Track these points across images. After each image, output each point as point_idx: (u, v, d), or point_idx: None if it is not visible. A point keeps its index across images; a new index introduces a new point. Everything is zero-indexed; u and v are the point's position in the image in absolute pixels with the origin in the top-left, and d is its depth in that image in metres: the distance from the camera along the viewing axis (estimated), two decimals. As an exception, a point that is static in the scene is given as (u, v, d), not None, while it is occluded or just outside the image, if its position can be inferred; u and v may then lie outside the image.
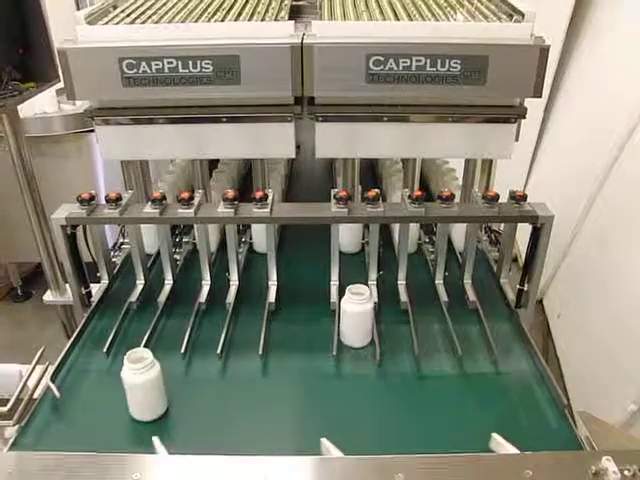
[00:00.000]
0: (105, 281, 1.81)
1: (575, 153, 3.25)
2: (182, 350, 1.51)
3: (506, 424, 1.34)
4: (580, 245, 3.05)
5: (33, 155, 2.40)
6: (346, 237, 1.95)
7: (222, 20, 1.63)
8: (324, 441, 1.18)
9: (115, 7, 1.82)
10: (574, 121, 3.41)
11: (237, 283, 1.77)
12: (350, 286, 1.56)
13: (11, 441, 1.26)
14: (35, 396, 1.40)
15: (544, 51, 1.49)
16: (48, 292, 2.55)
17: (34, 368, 1.44)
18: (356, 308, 1.53)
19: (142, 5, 1.79)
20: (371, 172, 2.60)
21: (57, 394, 1.38)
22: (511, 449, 1.16)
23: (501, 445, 1.18)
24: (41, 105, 2.87)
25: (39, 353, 1.47)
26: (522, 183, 3.88)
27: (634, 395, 2.18)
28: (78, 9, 3.98)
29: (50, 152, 3.06)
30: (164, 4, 1.80)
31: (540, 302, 3.42)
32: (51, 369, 1.46)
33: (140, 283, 1.78)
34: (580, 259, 3.03)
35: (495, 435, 1.20)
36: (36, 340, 3.03)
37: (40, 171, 2.51)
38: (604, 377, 2.43)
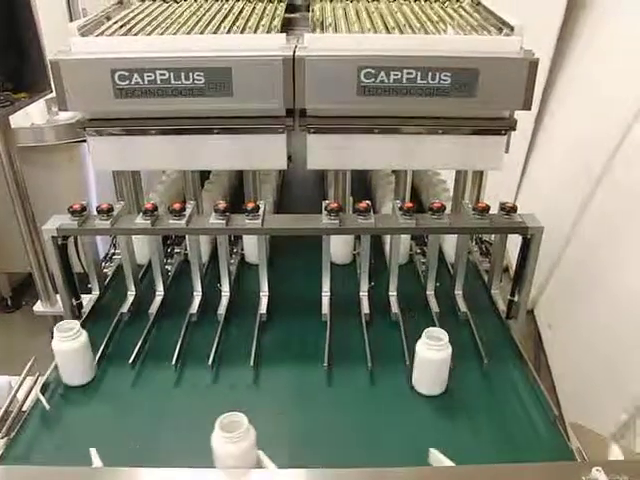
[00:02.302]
0: (96, 292, 1.80)
1: (567, 161, 3.27)
2: (173, 361, 1.51)
3: (497, 435, 1.35)
4: (571, 254, 3.06)
5: (24, 165, 2.40)
6: (338, 248, 1.96)
7: (214, 32, 1.64)
8: (433, 451, 1.18)
9: (109, 18, 1.83)
10: (565, 129, 3.43)
11: (228, 294, 1.77)
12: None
13: (-1, 454, 1.25)
14: (25, 408, 1.39)
15: (533, 64, 1.50)
16: (38, 303, 2.54)
17: (24, 380, 1.44)
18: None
19: (135, 17, 1.80)
20: (363, 183, 2.60)
21: (47, 406, 1.37)
22: (448, 463, 1.15)
23: (439, 460, 1.17)
24: (32, 115, 2.86)
25: (29, 364, 1.46)
26: (513, 193, 3.89)
27: (626, 404, 2.18)
28: (71, 20, 3.98)
29: (41, 162, 3.05)
30: (157, 16, 1.81)
31: (531, 312, 3.43)
32: (41, 380, 1.46)
33: (131, 294, 1.78)
34: (571, 269, 3.04)
35: (433, 450, 1.19)
36: (26, 351, 2.99)
37: (31, 181, 2.50)
38: (596, 386, 2.44)
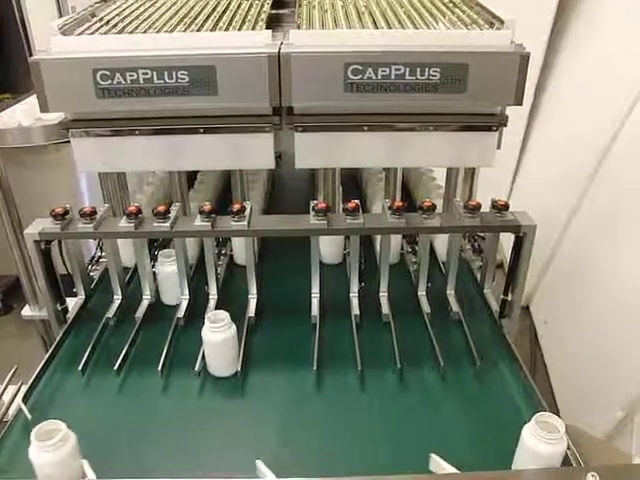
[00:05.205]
0: (81, 296, 1.77)
1: (560, 157, 3.26)
2: (159, 367, 1.48)
3: (490, 438, 1.32)
4: (566, 250, 3.05)
5: (13, 166, 2.35)
6: (327, 248, 1.93)
7: (199, 30, 1.60)
8: (434, 456, 1.15)
9: (93, 16, 1.79)
10: (559, 125, 3.41)
11: (216, 297, 1.74)
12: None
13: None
14: (9, 416, 1.36)
15: (524, 58, 1.47)
16: (26, 307, 2.51)
17: (6, 388, 1.41)
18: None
19: (119, 15, 1.76)
20: (353, 182, 2.58)
21: (28, 416, 1.33)
22: (450, 469, 1.13)
23: (440, 466, 1.14)
24: (20, 116, 2.82)
25: (11, 372, 1.43)
26: (507, 189, 3.87)
27: (622, 401, 2.16)
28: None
29: (30, 163, 3.00)
30: (141, 13, 1.77)
31: (526, 308, 3.42)
32: (24, 389, 1.42)
33: (117, 298, 1.75)
34: (566, 264, 3.02)
35: (434, 455, 1.16)
36: (16, 355, 2.97)
37: (20, 183, 2.47)
38: (592, 382, 2.42)
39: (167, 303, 1.78)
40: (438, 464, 1.14)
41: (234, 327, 1.47)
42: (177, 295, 1.74)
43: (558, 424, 1.15)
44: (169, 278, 1.74)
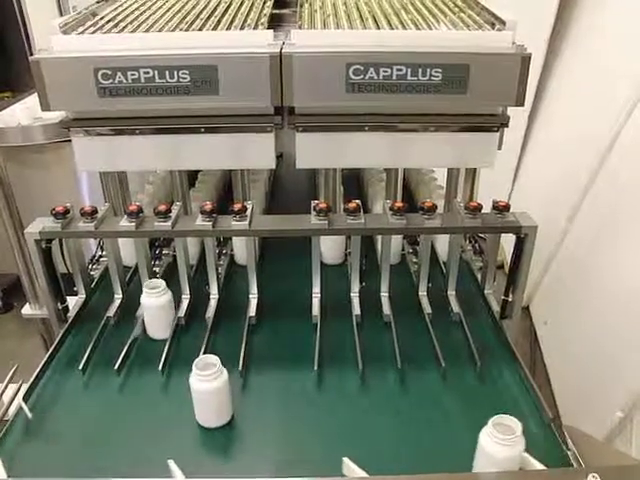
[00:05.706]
0: (82, 295, 1.77)
1: (561, 158, 3.26)
2: (159, 367, 1.48)
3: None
4: (566, 251, 3.05)
5: (15, 165, 2.35)
6: (328, 248, 1.93)
7: (200, 29, 1.60)
8: (346, 460, 1.14)
9: (94, 15, 1.79)
10: (560, 126, 3.41)
11: (217, 297, 1.74)
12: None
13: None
14: (9, 415, 1.36)
15: (526, 59, 1.47)
16: (27, 305, 2.51)
17: (7, 386, 1.40)
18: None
19: (120, 14, 1.76)
20: (354, 182, 2.58)
21: (29, 415, 1.33)
22: (360, 472, 1.11)
23: (351, 469, 1.12)
24: (18, 115, 2.82)
25: (11, 372, 1.42)
26: (508, 189, 3.88)
27: (622, 402, 2.16)
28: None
29: (31, 162, 3.00)
30: (143, 13, 1.77)
31: (526, 308, 3.42)
32: (25, 387, 1.42)
33: (118, 297, 1.75)
34: (567, 264, 3.02)
35: (346, 459, 1.14)
36: (17, 353, 2.98)
37: (21, 182, 2.46)
38: (593, 382, 2.42)
39: (154, 337, 1.63)
40: (349, 467, 1.13)
41: (225, 373, 1.30)
42: (165, 328, 1.62)
43: (515, 426, 1.13)
44: (155, 312, 1.61)
